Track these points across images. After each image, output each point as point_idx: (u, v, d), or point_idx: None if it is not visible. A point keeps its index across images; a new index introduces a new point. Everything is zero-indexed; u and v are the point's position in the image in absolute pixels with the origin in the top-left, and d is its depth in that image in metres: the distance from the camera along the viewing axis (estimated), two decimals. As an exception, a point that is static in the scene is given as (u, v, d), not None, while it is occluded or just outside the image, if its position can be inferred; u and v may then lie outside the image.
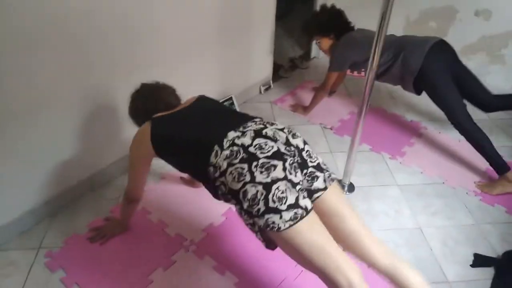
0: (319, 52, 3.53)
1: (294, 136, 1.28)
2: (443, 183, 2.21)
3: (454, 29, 2.84)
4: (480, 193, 2.14)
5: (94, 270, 1.66)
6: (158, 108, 1.53)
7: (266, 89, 3.05)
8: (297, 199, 1.11)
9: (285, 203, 1.09)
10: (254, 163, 1.14)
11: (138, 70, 1.96)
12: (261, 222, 1.11)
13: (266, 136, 1.22)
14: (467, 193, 2.14)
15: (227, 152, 1.19)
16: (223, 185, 1.20)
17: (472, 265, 1.77)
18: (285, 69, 3.28)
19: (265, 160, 1.14)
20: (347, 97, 3.00)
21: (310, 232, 1.11)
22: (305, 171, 1.23)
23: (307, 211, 1.12)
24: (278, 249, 1.73)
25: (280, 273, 1.67)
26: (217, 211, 1.95)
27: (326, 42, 2.52)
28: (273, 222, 1.09)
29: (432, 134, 2.61)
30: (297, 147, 1.25)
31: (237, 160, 1.16)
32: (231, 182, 1.16)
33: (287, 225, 1.08)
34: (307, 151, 1.27)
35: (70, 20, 1.59)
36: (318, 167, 1.26)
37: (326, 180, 1.26)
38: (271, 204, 1.09)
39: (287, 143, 1.24)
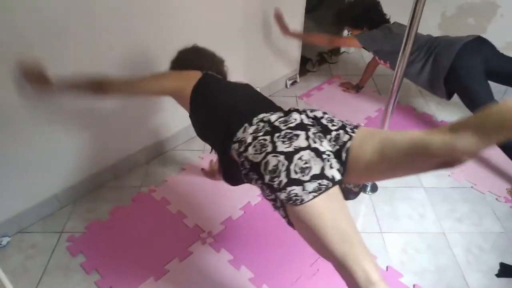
0: (350, 47, 3.44)
1: (313, 110, 1.26)
2: (472, 187, 2.12)
3: (495, 25, 2.69)
4: (511, 200, 2.03)
5: (113, 257, 1.70)
6: (206, 68, 1.53)
7: (292, 83, 3.01)
8: (322, 168, 1.05)
9: (308, 174, 1.03)
10: (277, 134, 1.12)
11: (163, 61, 1.97)
12: (283, 195, 1.04)
13: (291, 116, 1.21)
14: (496, 199, 2.05)
15: (254, 127, 1.20)
16: (246, 160, 1.15)
17: (498, 275, 1.69)
18: (313, 63, 3.22)
19: (287, 130, 1.12)
20: (376, 94, 2.92)
21: (333, 211, 1.03)
22: (328, 136, 1.16)
23: (333, 182, 1.05)
24: (295, 247, 1.73)
25: (296, 271, 1.66)
26: (235, 205, 1.95)
27: (359, 33, 2.44)
28: (296, 194, 1.02)
29: (464, 136, 2.50)
30: (315, 117, 1.21)
31: (261, 133, 1.15)
32: (254, 155, 1.12)
33: (310, 196, 1.01)
34: (327, 117, 1.22)
35: (97, 10, 1.61)
36: (341, 127, 1.18)
37: (348, 131, 1.16)
38: (293, 175, 1.03)
39: (307, 116, 1.22)
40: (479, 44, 2.08)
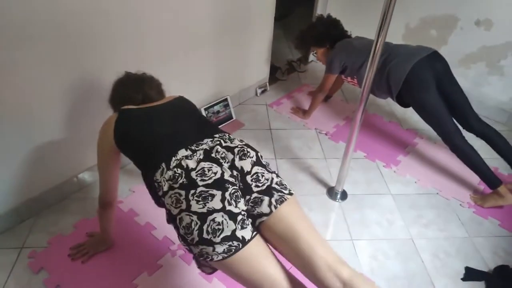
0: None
1: (243, 156, 1.20)
2: (437, 194, 2.19)
3: (455, 37, 2.81)
4: (473, 206, 2.11)
5: (78, 272, 1.62)
6: (136, 98, 1.47)
7: (263, 92, 3.02)
8: (234, 231, 1.07)
9: (219, 236, 1.05)
10: (192, 191, 1.09)
11: (130, 68, 1.92)
12: (195, 250, 1.10)
13: (213, 159, 1.17)
14: (460, 205, 2.12)
15: (170, 173, 1.14)
16: (166, 205, 1.16)
17: (463, 279, 1.74)
18: (282, 72, 3.24)
19: (203, 188, 1.09)
20: (343, 103, 2.97)
21: (245, 263, 1.09)
22: (248, 197, 1.16)
23: (244, 243, 1.07)
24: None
25: (268, 281, 1.64)
26: (206, 215, 1.92)
27: (323, 53, 2.50)
28: (207, 253, 1.07)
29: (428, 144, 2.59)
30: (241, 170, 1.18)
31: (177, 185, 1.12)
32: (170, 206, 1.13)
33: (220, 257, 1.06)
34: (255, 173, 1.18)
35: (61, 15, 1.55)
36: (266, 191, 1.16)
37: (272, 203, 1.15)
38: (205, 236, 1.05)
39: (232, 165, 1.18)
40: (433, 60, 2.10)
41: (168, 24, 2.01)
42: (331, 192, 2.13)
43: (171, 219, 1.15)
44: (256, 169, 1.19)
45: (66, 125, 1.81)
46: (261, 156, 1.25)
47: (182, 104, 1.47)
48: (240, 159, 1.19)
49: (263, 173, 1.19)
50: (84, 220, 1.86)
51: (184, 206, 1.08)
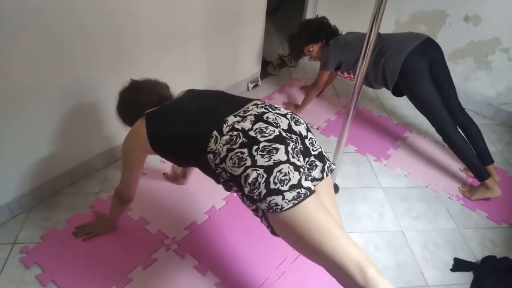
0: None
1: (297, 122, 1.25)
2: (427, 187, 2.22)
3: (444, 33, 2.85)
4: (462, 198, 2.16)
5: (71, 267, 1.62)
6: (152, 100, 1.49)
7: (254, 86, 3.02)
8: (299, 180, 1.08)
9: (287, 184, 1.06)
10: (255, 147, 1.10)
11: (122, 63, 1.92)
12: (263, 205, 1.07)
13: (267, 121, 1.19)
14: (449, 197, 2.16)
15: (226, 137, 1.15)
16: (224, 171, 1.15)
17: (452, 270, 1.78)
18: (273, 66, 3.25)
19: (266, 143, 1.11)
20: (335, 98, 2.99)
21: (315, 211, 1.06)
22: (307, 159, 1.20)
23: (310, 192, 1.08)
24: (261, 250, 1.73)
25: (262, 274, 1.66)
26: (200, 209, 1.92)
27: (319, 48, 2.49)
28: (276, 204, 1.05)
29: (417, 138, 2.62)
30: (300, 134, 1.22)
31: (237, 145, 1.12)
32: (232, 168, 1.12)
33: (290, 204, 1.04)
34: (310, 138, 1.25)
35: (50, 10, 1.54)
36: (320, 156, 1.24)
37: (324, 170, 1.23)
38: (272, 186, 1.05)
39: (289, 129, 1.21)
40: (427, 47, 2.13)
41: (160, 19, 2.00)
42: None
43: (233, 181, 1.13)
44: (310, 134, 1.26)
45: (58, 121, 1.80)
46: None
47: (200, 91, 1.50)
48: (296, 124, 1.24)
49: (315, 139, 1.28)
50: (77, 215, 1.85)
51: (249, 162, 1.09)
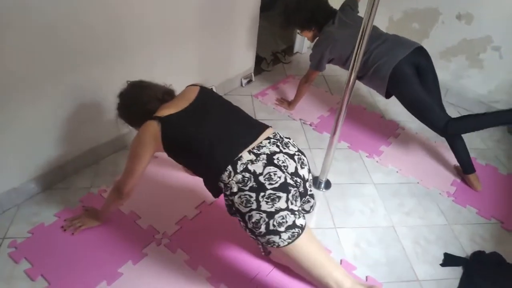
0: (302, 47, 3.51)
1: (302, 165, 1.39)
2: (418, 183, 2.24)
3: (436, 31, 2.86)
4: (452, 195, 2.17)
5: (61, 262, 1.61)
6: (157, 94, 1.53)
7: (248, 82, 3.02)
8: (294, 221, 1.26)
9: (283, 226, 1.25)
10: (262, 194, 1.25)
11: (116, 59, 1.90)
12: (263, 240, 1.28)
13: (276, 165, 1.31)
14: (440, 193, 2.18)
15: (239, 176, 1.28)
16: (232, 203, 1.31)
17: (442, 264, 1.80)
18: (267, 63, 3.25)
19: (271, 191, 1.26)
20: (328, 94, 3.00)
21: (305, 247, 1.29)
22: (303, 198, 1.42)
23: (302, 229, 1.28)
24: (251, 245, 1.73)
25: (253, 268, 1.66)
26: (191, 204, 1.92)
27: (308, 34, 2.47)
28: (274, 241, 1.26)
29: (409, 134, 2.64)
30: (303, 178, 1.37)
31: (247, 188, 1.27)
32: (239, 205, 1.28)
33: (285, 242, 1.26)
34: (309, 180, 1.42)
35: (48, 7, 1.52)
36: (311, 195, 1.48)
37: (312, 206, 1.53)
38: (271, 228, 1.25)
39: (295, 173, 1.34)
40: (417, 55, 2.13)
41: (153, 14, 1.99)
42: (315, 181, 2.15)
43: (238, 214, 1.31)
44: (309, 176, 1.43)
45: (50, 116, 1.78)
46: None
47: (212, 95, 1.57)
48: (301, 167, 1.38)
49: (312, 180, 1.48)
50: (67, 209, 1.83)
51: (254, 206, 1.26)
